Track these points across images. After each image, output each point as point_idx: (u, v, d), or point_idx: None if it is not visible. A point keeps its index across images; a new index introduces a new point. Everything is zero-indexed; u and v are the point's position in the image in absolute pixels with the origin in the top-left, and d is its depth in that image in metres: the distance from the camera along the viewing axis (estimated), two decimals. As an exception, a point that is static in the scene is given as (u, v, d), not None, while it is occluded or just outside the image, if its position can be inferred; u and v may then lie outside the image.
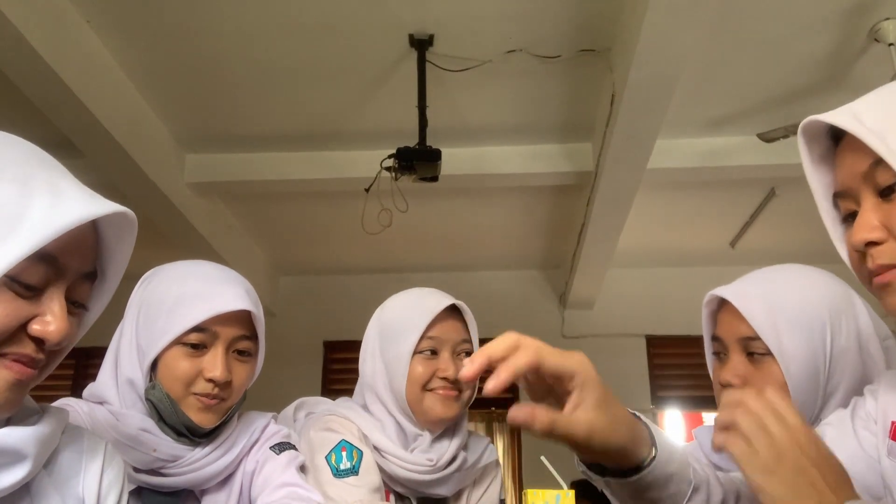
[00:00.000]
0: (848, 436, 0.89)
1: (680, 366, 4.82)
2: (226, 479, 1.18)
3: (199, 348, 1.11)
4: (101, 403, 1.13)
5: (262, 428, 1.23)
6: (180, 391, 1.10)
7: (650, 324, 4.89)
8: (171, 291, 1.12)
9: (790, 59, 2.82)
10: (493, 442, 1.53)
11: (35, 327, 0.70)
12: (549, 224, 4.42)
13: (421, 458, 1.32)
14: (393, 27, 2.71)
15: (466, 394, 1.37)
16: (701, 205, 4.12)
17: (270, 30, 2.72)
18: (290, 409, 1.52)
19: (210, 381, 1.10)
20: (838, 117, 0.75)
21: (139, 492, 1.10)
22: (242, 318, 1.14)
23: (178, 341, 1.09)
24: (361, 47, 2.82)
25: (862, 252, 0.75)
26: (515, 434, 4.86)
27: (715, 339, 1.16)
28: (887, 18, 2.59)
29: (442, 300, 1.37)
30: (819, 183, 0.81)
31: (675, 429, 4.90)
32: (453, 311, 1.40)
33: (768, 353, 1.07)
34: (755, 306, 1.08)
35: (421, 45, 2.77)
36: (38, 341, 0.71)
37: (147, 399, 1.10)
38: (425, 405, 1.33)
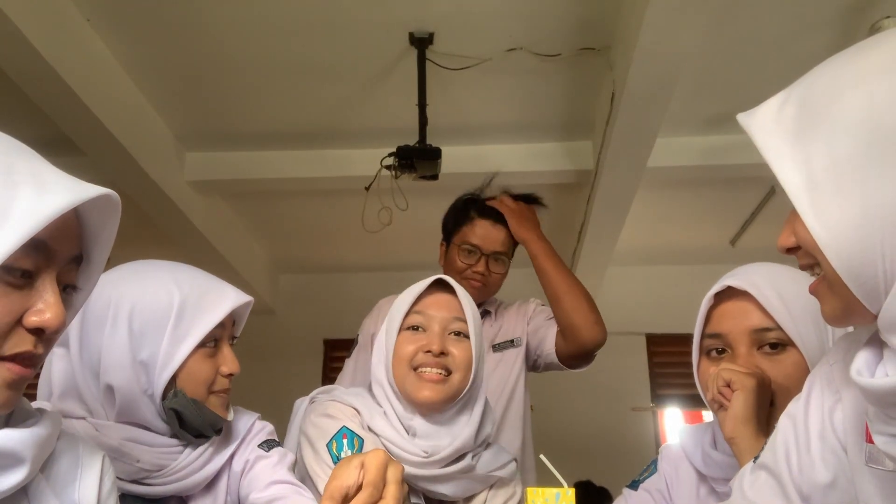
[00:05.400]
0: (817, 460, 0.82)
1: (680, 364, 4.81)
2: (211, 483, 1.15)
3: (215, 346, 1.11)
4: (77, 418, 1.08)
5: (249, 427, 1.21)
6: (203, 394, 1.09)
7: (650, 322, 4.89)
8: (166, 299, 1.07)
9: (790, 57, 2.82)
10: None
11: (32, 319, 0.69)
12: (549, 222, 4.38)
13: (417, 448, 1.26)
14: (393, 25, 2.71)
15: (455, 377, 1.29)
16: (701, 203, 4.12)
17: (270, 28, 2.71)
18: (303, 401, 1.45)
19: (229, 375, 1.12)
20: (752, 125, 0.77)
21: (122, 498, 1.07)
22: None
23: (199, 344, 1.08)
24: (361, 45, 2.82)
25: None
26: (515, 432, 4.85)
27: (714, 336, 1.14)
28: (887, 17, 2.58)
29: (433, 278, 1.35)
30: None
31: (675, 427, 4.90)
32: (446, 289, 1.36)
33: (781, 345, 1.05)
34: (771, 296, 1.05)
35: (421, 43, 2.76)
36: (38, 332, 0.70)
37: (170, 409, 1.06)
38: (409, 386, 1.28)
